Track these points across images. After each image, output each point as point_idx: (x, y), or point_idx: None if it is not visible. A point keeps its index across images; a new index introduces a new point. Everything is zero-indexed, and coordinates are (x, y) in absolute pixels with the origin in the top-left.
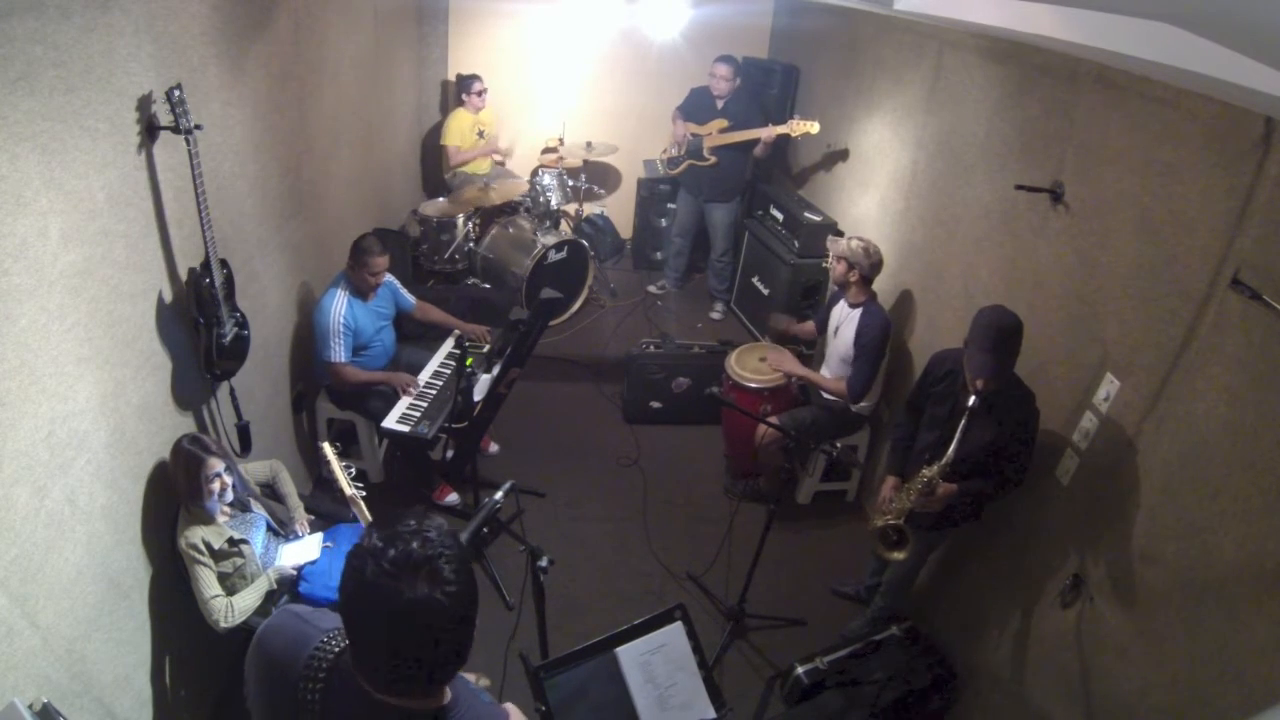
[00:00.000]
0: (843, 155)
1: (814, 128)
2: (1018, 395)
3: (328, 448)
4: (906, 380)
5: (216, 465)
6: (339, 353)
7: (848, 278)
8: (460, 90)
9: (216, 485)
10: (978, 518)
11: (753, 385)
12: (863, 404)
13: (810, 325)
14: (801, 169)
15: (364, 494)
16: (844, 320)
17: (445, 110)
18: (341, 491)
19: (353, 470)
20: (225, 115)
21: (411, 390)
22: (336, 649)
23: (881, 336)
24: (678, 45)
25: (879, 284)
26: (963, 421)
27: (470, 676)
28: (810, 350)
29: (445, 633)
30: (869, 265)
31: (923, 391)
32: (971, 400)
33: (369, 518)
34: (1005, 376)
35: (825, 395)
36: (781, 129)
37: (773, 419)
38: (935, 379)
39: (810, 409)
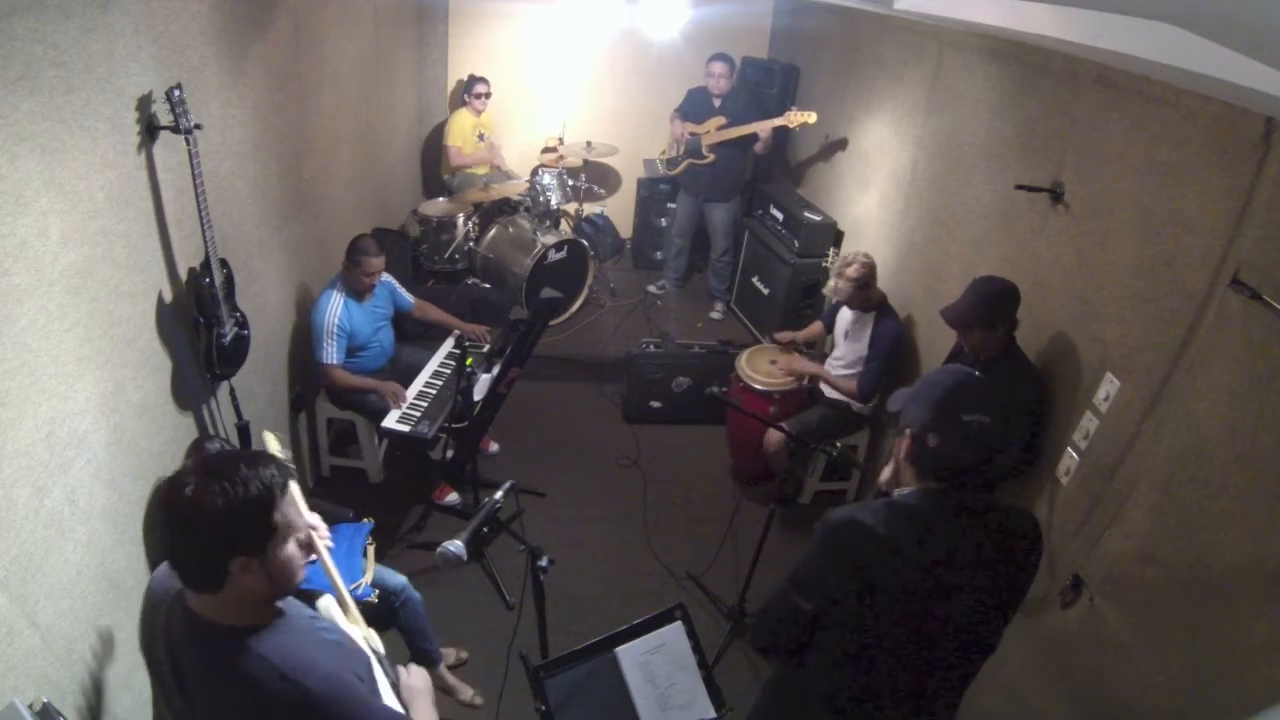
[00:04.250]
0: (843, 153)
1: (811, 117)
2: (1024, 368)
3: (269, 436)
4: (906, 379)
5: None
6: (331, 354)
7: (868, 294)
8: (465, 90)
9: None
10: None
11: (762, 388)
12: (869, 406)
13: (817, 326)
14: (801, 168)
15: (292, 462)
16: (855, 324)
17: (451, 109)
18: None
19: (284, 436)
20: (225, 115)
21: (400, 403)
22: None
23: (896, 342)
24: (678, 45)
25: (880, 283)
26: None
27: (448, 652)
28: (811, 349)
29: (197, 531)
30: (874, 270)
31: (947, 363)
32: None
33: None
34: (981, 323)
35: (831, 394)
36: (779, 120)
37: (779, 423)
38: (952, 356)
39: (816, 409)
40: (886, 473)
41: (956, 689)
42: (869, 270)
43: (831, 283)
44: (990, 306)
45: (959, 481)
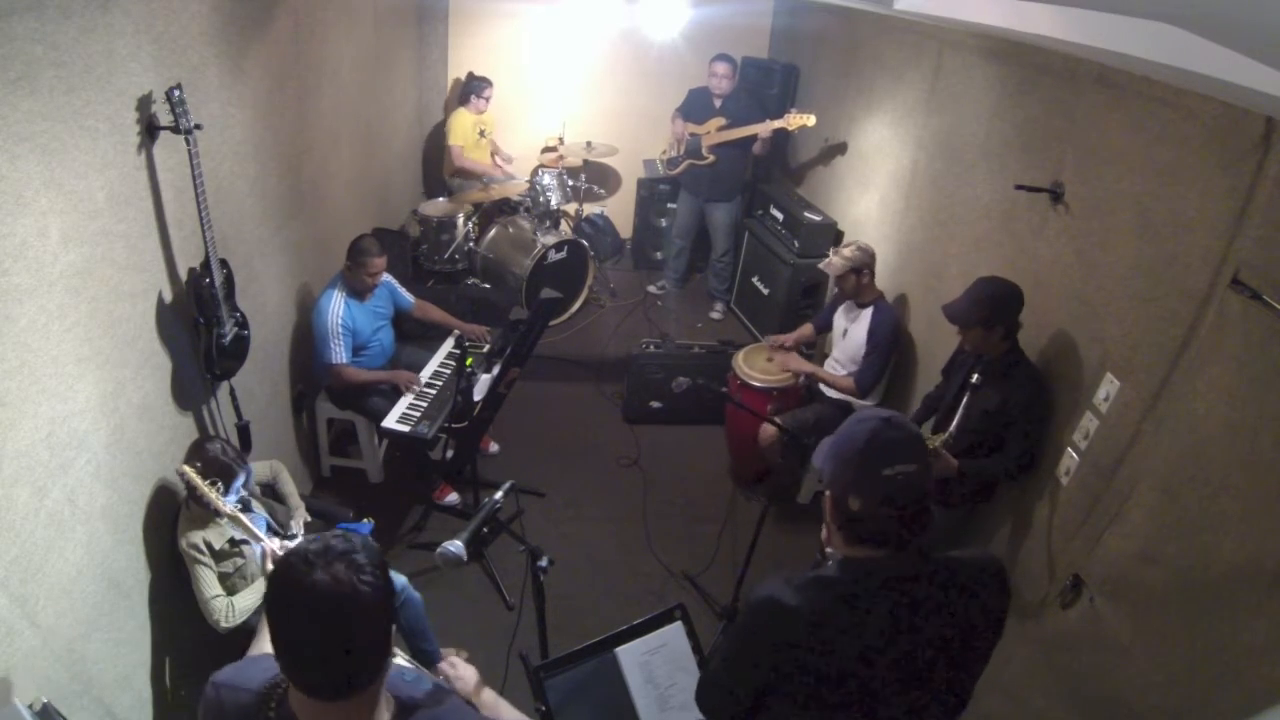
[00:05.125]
0: (842, 153)
1: (810, 120)
2: (1024, 370)
3: (189, 469)
4: (906, 381)
5: (241, 475)
6: (339, 354)
7: (861, 283)
8: (468, 90)
9: (234, 498)
10: (988, 499)
11: (760, 385)
12: (866, 401)
13: (808, 329)
14: (801, 168)
15: (241, 509)
16: (853, 320)
17: (448, 109)
18: (217, 510)
19: (220, 485)
20: (225, 115)
21: (414, 387)
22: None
23: (893, 333)
24: (678, 45)
25: (880, 283)
26: (965, 397)
27: (448, 652)
28: (810, 350)
29: (355, 618)
30: (872, 260)
31: (952, 360)
32: (974, 378)
33: (259, 535)
34: (979, 322)
35: (830, 392)
36: (778, 123)
37: (775, 418)
38: (956, 354)
39: (814, 406)
40: (825, 531)
41: None
42: (864, 256)
43: (829, 258)
44: (988, 307)
45: (894, 544)
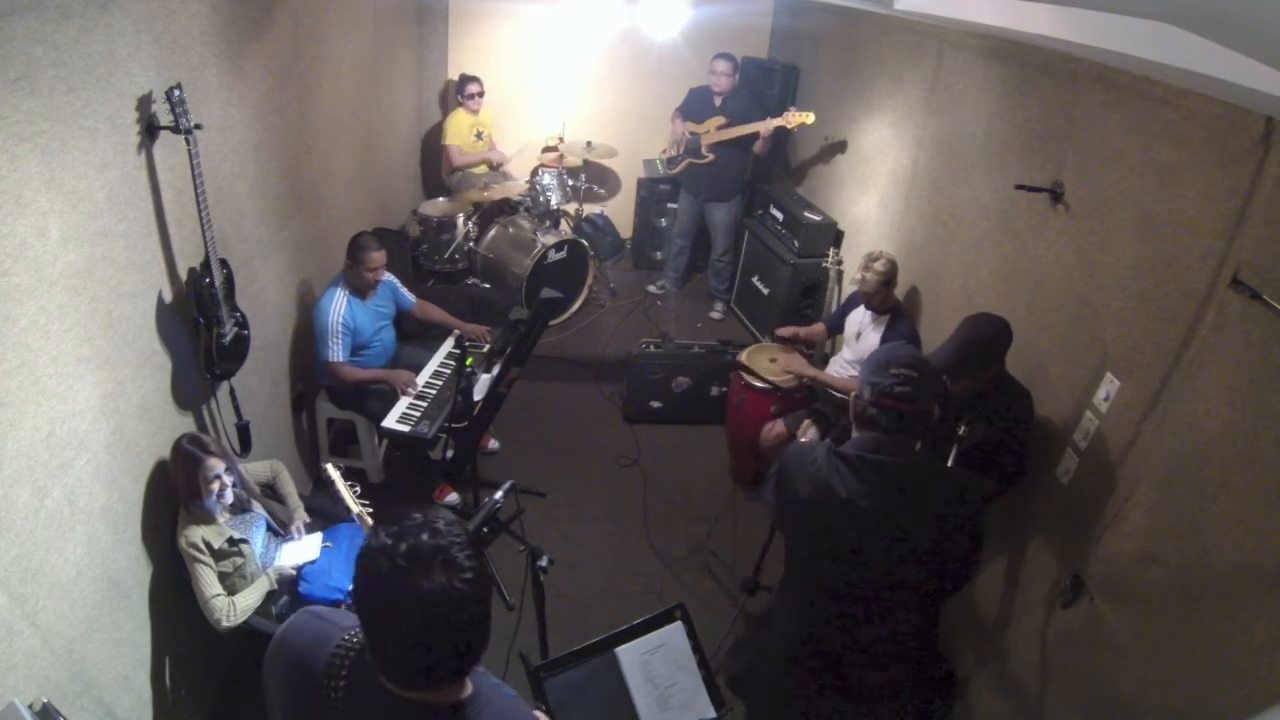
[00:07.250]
0: (842, 153)
1: (809, 118)
2: (1009, 388)
3: (332, 468)
4: None
5: (216, 465)
6: (337, 352)
7: (889, 292)
8: (457, 91)
9: (215, 485)
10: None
11: (763, 385)
12: None
13: (820, 327)
14: (801, 168)
15: (370, 509)
16: (868, 325)
17: (446, 110)
18: (348, 510)
19: (358, 488)
20: (225, 115)
21: (411, 390)
22: (358, 646)
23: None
24: (678, 45)
25: None
26: (954, 450)
27: None
28: (810, 351)
29: (465, 620)
30: (896, 273)
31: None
32: (961, 429)
33: None
34: (967, 374)
35: (836, 394)
36: (777, 121)
37: (778, 420)
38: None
39: (816, 408)
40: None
41: (896, 636)
42: (894, 267)
43: (859, 275)
44: (980, 353)
45: (885, 425)
